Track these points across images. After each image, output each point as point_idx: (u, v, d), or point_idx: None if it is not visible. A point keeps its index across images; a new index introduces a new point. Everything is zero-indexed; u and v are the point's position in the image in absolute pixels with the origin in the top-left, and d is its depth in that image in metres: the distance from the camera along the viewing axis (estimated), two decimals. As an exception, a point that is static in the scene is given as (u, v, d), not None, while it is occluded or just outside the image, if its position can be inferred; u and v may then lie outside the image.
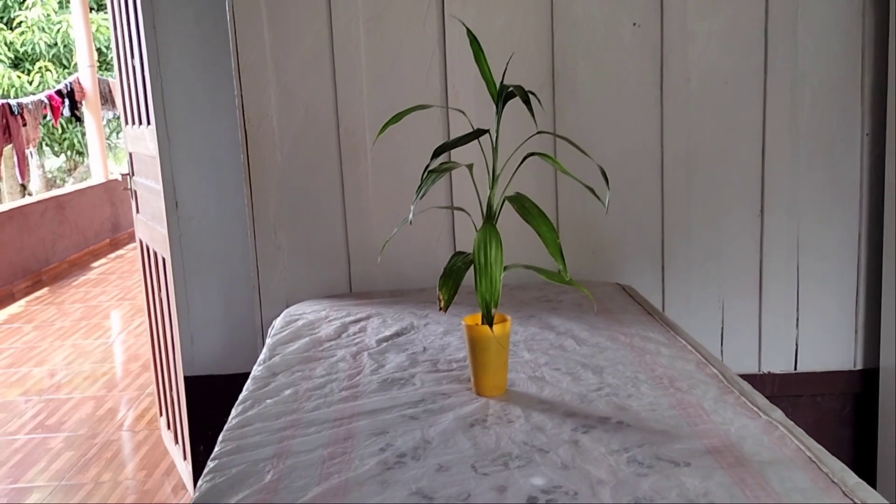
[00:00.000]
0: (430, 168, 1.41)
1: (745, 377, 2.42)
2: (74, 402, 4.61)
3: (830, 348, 2.47)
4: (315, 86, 2.31)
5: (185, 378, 2.82)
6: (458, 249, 2.33)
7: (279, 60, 2.30)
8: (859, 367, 2.48)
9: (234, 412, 1.50)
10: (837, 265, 2.43)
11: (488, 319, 1.37)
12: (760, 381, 2.46)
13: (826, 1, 2.31)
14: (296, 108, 2.31)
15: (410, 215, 1.36)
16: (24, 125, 7.94)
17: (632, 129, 2.36)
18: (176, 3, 2.58)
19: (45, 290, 7.64)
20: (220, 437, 1.40)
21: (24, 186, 10.59)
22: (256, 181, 2.34)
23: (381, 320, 2.03)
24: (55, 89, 8.69)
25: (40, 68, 12.80)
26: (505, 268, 1.54)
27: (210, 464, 1.30)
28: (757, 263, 2.42)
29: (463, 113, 1.48)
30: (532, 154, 1.47)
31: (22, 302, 7.19)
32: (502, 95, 1.41)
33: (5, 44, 13.03)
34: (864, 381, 2.47)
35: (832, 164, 2.38)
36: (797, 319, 2.45)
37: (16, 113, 7.77)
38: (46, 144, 13.04)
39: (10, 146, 7.90)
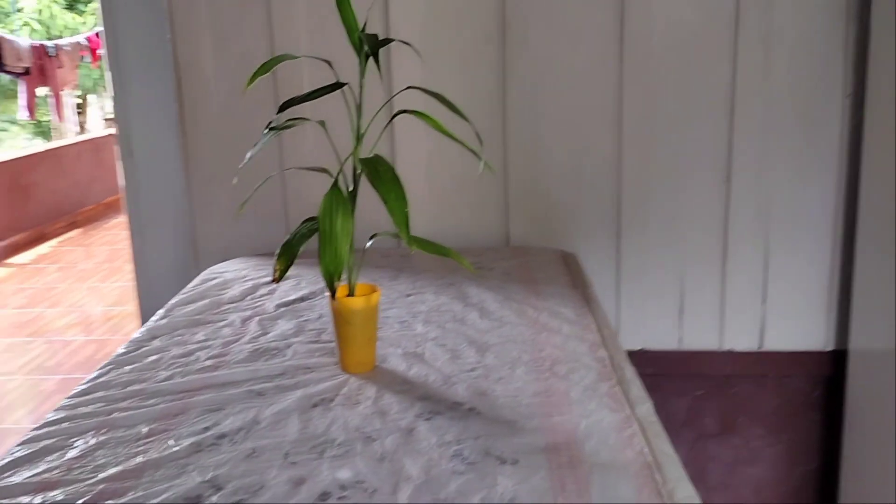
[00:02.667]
0: (271, 125, 1.29)
1: (703, 354, 2.30)
2: (77, 344, 4.68)
3: (800, 327, 2.29)
4: (250, 32, 2.20)
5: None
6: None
7: (213, 5, 2.19)
8: (831, 348, 2.29)
9: (86, 378, 1.44)
10: (811, 239, 2.23)
11: (332, 292, 1.26)
12: (720, 359, 2.30)
13: (806, -53, 2.08)
14: (230, 55, 2.21)
15: (234, 180, 1.25)
16: (61, 67, 8.00)
17: (588, 84, 2.19)
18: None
19: (76, 231, 7.79)
20: (57, 405, 1.33)
21: (82, 126, 10.75)
22: (191, 131, 2.26)
23: (296, 282, 1.94)
24: (94, 31, 8.73)
25: (94, 10, 12.90)
26: (373, 236, 1.43)
27: (28, 434, 1.24)
28: (721, 234, 2.24)
29: (329, 63, 1.35)
30: (402, 112, 1.34)
31: (53, 242, 7.34)
32: (363, 46, 1.28)
33: (63, -15, 13.16)
34: (836, 364, 2.29)
35: (808, 128, 2.17)
36: (764, 294, 2.27)
37: (52, 54, 7.83)
38: (103, 87, 13.18)
39: (47, 88, 7.99)
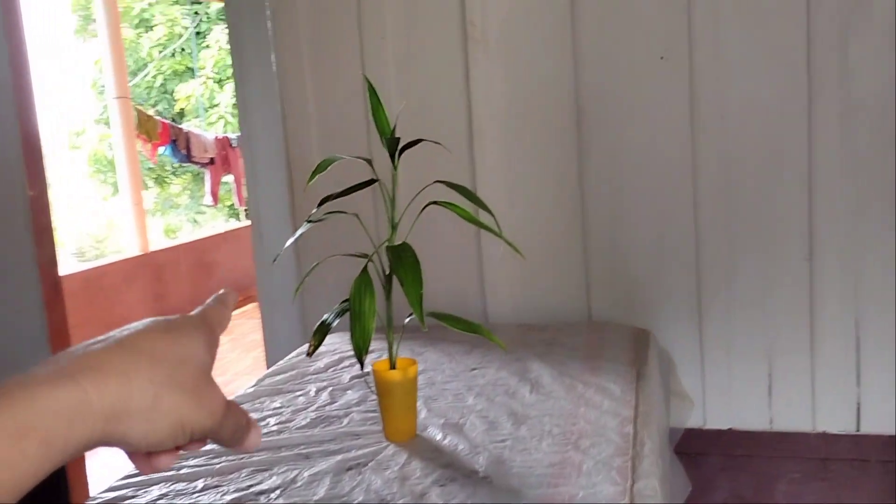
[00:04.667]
0: (310, 218, 1.48)
1: (795, 435, 2.24)
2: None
3: (902, 409, 2.18)
4: (351, 129, 2.45)
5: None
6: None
7: (320, 106, 2.46)
8: (938, 432, 2.16)
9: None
10: (906, 315, 2.15)
11: (361, 364, 1.41)
12: (814, 441, 2.23)
13: (882, 17, 2.06)
14: (335, 151, 2.46)
15: (274, 260, 1.44)
16: (241, 157, 8.82)
17: (662, 165, 2.25)
18: (258, 59, 2.83)
19: (251, 305, 8.44)
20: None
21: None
22: (299, 216, 2.51)
23: (378, 356, 2.11)
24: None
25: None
26: (410, 315, 1.57)
27: (113, 482, 1.46)
28: (807, 312, 2.20)
29: (368, 161, 1.53)
30: (432, 203, 1.50)
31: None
32: (395, 146, 1.45)
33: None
34: (946, 449, 2.15)
35: (893, 202, 2.11)
36: (858, 375, 2.19)
37: (234, 145, 8.68)
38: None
39: (230, 175, 8.83)
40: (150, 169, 13.17)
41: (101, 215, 13.94)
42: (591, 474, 1.33)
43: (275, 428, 1.65)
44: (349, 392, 1.85)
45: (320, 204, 1.49)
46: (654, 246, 2.29)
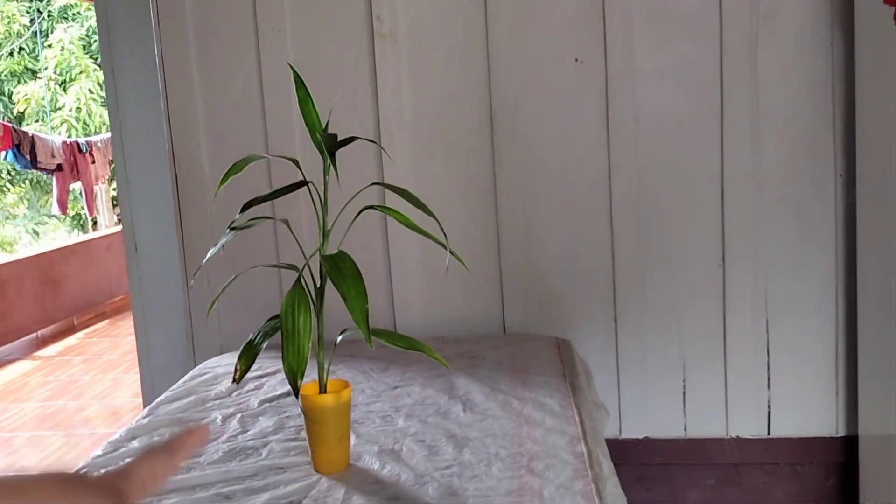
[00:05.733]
0: (233, 224, 1.31)
1: (709, 442, 2.23)
2: (97, 437, 4.67)
3: (809, 412, 2.22)
4: (246, 129, 2.25)
5: (147, 424, 2.78)
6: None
7: (210, 104, 2.25)
8: (842, 433, 2.21)
9: (59, 481, 1.42)
10: (813, 320, 2.19)
11: (294, 391, 1.24)
12: (728, 447, 2.23)
13: (789, 31, 2.10)
14: (227, 151, 2.26)
15: (191, 281, 1.26)
16: (94, 162, 8.25)
17: (576, 172, 2.20)
18: (133, 53, 2.58)
19: (104, 322, 7.89)
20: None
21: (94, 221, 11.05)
22: (188, 226, 2.29)
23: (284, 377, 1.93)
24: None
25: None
26: (343, 331, 1.42)
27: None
28: (720, 318, 2.20)
29: (295, 162, 1.37)
30: (368, 207, 1.35)
31: (80, 334, 7.43)
32: (332, 143, 1.30)
33: (98, 84, 13.70)
34: (849, 450, 2.20)
35: (802, 209, 2.15)
36: (768, 379, 2.21)
37: (84, 151, 8.10)
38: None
39: (78, 182, 8.23)
40: (-18, 176, 12.15)
41: (-74, 227, 12.72)
42: (555, 500, 1.23)
43: (181, 465, 1.45)
44: (261, 418, 1.66)
45: (244, 208, 1.32)
46: (568, 256, 2.23)
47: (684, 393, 2.24)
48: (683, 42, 2.12)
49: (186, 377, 2.02)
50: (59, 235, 12.86)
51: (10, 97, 12.55)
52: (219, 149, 2.27)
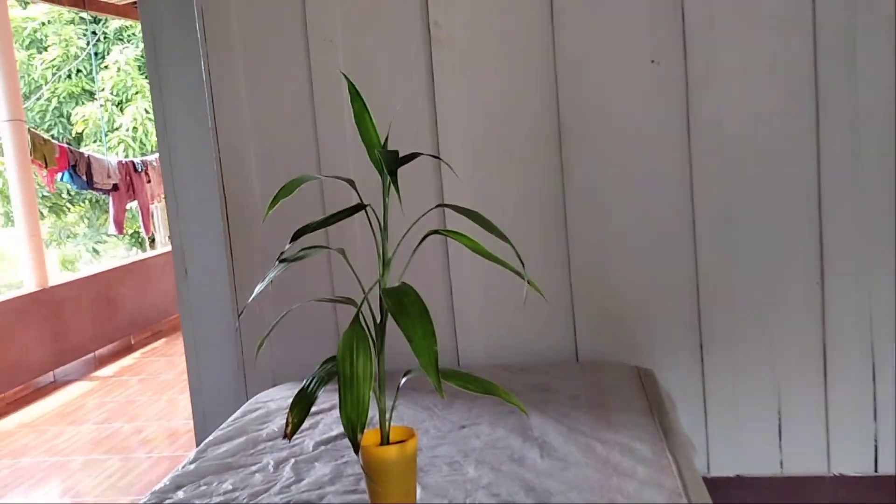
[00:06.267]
0: (283, 256, 1.15)
1: (809, 480, 2.01)
2: (151, 462, 4.60)
3: (922, 446, 1.98)
4: (297, 147, 2.11)
5: (199, 456, 2.67)
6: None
7: (259, 121, 2.12)
8: (962, 470, 1.97)
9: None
10: (926, 343, 1.95)
11: (354, 447, 1.08)
12: (830, 485, 2.01)
13: (891, 21, 1.88)
14: (276, 172, 2.12)
15: (236, 324, 1.11)
16: (149, 182, 8.28)
17: (654, 182, 2.01)
18: (180, 71, 2.47)
19: (161, 341, 7.88)
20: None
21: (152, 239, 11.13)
22: (238, 250, 2.17)
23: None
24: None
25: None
26: (406, 372, 1.26)
27: None
28: (820, 341, 1.98)
29: (351, 183, 1.21)
30: (433, 232, 1.19)
31: (137, 354, 7.43)
32: (393, 160, 1.14)
33: (153, 104, 13.86)
34: (970, 489, 1.96)
35: (911, 218, 1.93)
36: (874, 410, 1.98)
37: (139, 170, 8.13)
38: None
39: (135, 202, 8.27)
40: (44, 197, 12.36)
41: (-7, 248, 13.02)
42: (661, 576, 1.04)
43: (231, 521, 1.30)
44: (317, 464, 1.51)
45: (295, 237, 1.16)
46: (646, 274, 2.04)
47: (780, 425, 2.02)
48: (772, 37, 1.92)
49: (237, 414, 1.88)
50: (118, 253, 13.05)
51: (68, 119, 12.79)
52: (269, 168, 2.13)
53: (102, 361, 7.18)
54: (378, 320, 1.18)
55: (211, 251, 2.50)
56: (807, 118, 1.93)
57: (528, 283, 1.16)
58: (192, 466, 1.55)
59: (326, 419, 1.74)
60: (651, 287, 2.03)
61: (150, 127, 13.36)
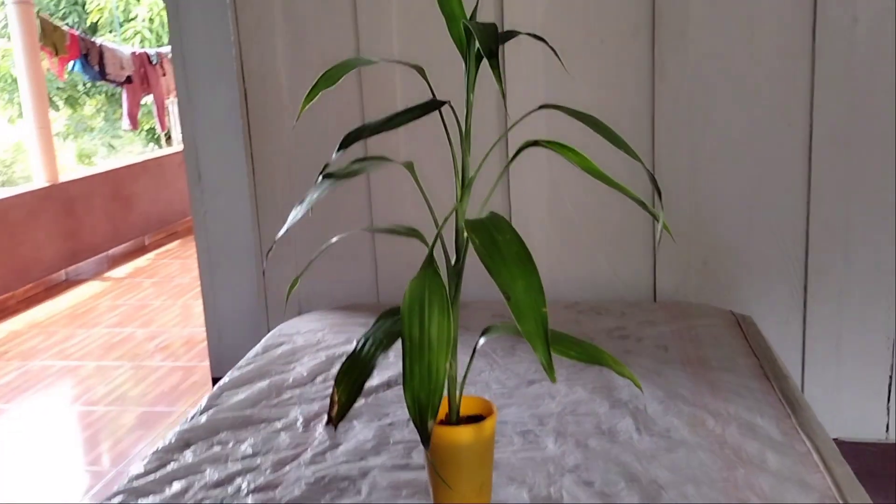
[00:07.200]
0: (328, 170, 0.83)
1: (921, 448, 1.72)
2: (163, 371, 4.39)
3: None
4: (331, 28, 1.76)
5: (213, 380, 2.42)
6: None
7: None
8: None
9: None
10: None
11: (424, 439, 0.78)
12: (945, 456, 1.72)
13: None
14: (307, 60, 1.78)
15: (281, 231, 0.81)
16: (164, 75, 7.89)
17: (767, 91, 1.65)
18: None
19: (176, 242, 7.64)
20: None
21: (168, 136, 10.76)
22: (260, 155, 1.84)
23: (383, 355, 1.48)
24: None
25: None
26: (485, 330, 0.95)
27: None
28: (950, 291, 1.66)
29: (420, 71, 0.87)
30: (532, 143, 0.86)
31: (151, 255, 7.20)
32: (471, 43, 0.80)
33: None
34: None
35: None
36: None
37: (154, 62, 7.73)
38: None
39: (150, 95, 7.90)
40: (59, 88, 11.97)
41: (7, 139, 12.73)
42: None
43: (250, 502, 1.02)
44: (356, 423, 1.22)
45: (343, 145, 0.84)
46: (748, 202, 1.71)
47: (891, 385, 1.72)
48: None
49: (257, 349, 1.59)
50: (135, 149, 12.76)
51: (83, 6, 12.29)
52: (298, 54, 1.79)
53: (115, 261, 6.96)
54: (454, 261, 0.87)
55: (228, 153, 2.18)
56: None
57: (659, 221, 0.84)
58: (204, 418, 1.27)
59: (364, 362, 1.45)
60: (750, 216, 1.70)
61: (167, 18, 12.83)
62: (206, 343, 4.72)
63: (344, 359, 0.82)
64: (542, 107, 0.87)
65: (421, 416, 0.77)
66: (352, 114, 1.75)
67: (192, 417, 1.28)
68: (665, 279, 1.76)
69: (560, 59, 0.88)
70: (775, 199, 1.69)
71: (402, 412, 1.24)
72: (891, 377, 1.72)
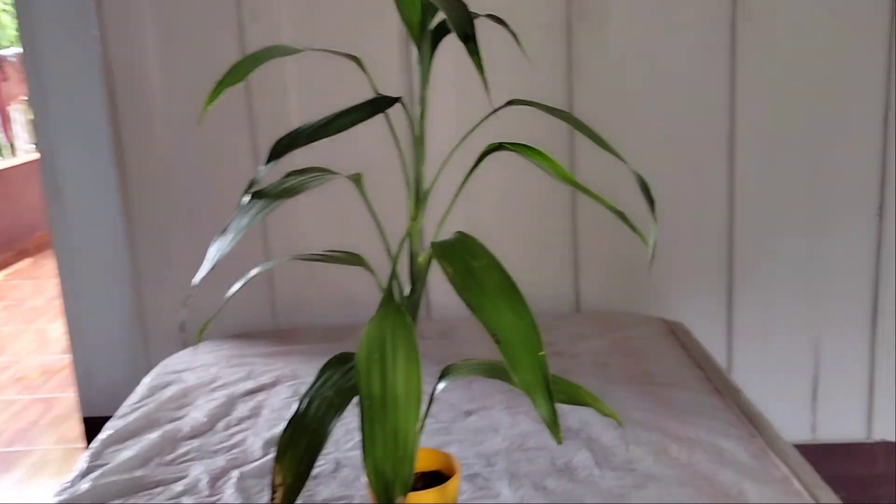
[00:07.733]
0: (254, 187, 0.66)
1: (848, 446, 1.70)
2: (21, 405, 3.98)
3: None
4: (215, 21, 1.56)
5: (84, 420, 2.16)
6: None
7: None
8: None
9: None
10: None
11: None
12: (870, 453, 1.70)
13: None
14: (188, 55, 1.56)
15: (200, 273, 0.63)
16: (6, 80, 7.27)
17: (687, 83, 1.58)
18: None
19: (27, 261, 7.05)
20: None
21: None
22: (131, 165, 1.61)
23: (292, 389, 1.30)
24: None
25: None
26: (444, 371, 0.80)
27: None
28: (871, 286, 1.64)
29: (357, 61, 0.71)
30: (498, 146, 0.71)
31: (0, 275, 6.60)
32: (451, 19, 0.65)
33: (9, -9, 12.35)
34: None
35: None
36: (932, 370, 1.67)
37: (-4, 66, 7.11)
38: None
39: (-9, 103, 7.26)
40: None
41: None
42: None
43: None
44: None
45: (274, 155, 0.66)
46: (670, 201, 1.62)
47: (816, 385, 1.69)
48: None
49: (141, 390, 1.36)
50: (-27, 161, 11.78)
51: None
52: (174, 49, 1.57)
53: (-41, 286, 6.30)
54: (408, 292, 0.71)
55: (92, 163, 1.92)
56: (878, 9, 1.52)
57: (648, 243, 0.71)
58: (86, 485, 1.04)
59: (271, 399, 1.26)
60: (675, 218, 1.62)
61: (6, 18, 11.91)
62: (66, 371, 4.30)
63: (284, 425, 0.64)
64: (509, 103, 0.73)
65: (387, 492, 0.60)
66: (237, 118, 1.55)
67: (72, 483, 1.06)
68: (588, 287, 1.66)
69: (521, 47, 0.74)
70: (700, 197, 1.62)
71: (328, 465, 1.07)
72: (815, 381, 1.69)
